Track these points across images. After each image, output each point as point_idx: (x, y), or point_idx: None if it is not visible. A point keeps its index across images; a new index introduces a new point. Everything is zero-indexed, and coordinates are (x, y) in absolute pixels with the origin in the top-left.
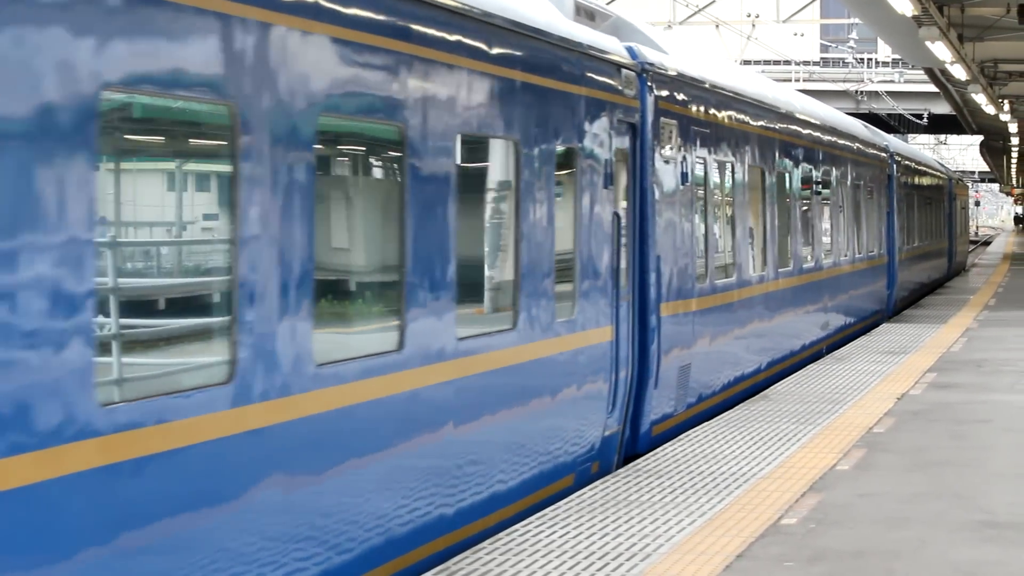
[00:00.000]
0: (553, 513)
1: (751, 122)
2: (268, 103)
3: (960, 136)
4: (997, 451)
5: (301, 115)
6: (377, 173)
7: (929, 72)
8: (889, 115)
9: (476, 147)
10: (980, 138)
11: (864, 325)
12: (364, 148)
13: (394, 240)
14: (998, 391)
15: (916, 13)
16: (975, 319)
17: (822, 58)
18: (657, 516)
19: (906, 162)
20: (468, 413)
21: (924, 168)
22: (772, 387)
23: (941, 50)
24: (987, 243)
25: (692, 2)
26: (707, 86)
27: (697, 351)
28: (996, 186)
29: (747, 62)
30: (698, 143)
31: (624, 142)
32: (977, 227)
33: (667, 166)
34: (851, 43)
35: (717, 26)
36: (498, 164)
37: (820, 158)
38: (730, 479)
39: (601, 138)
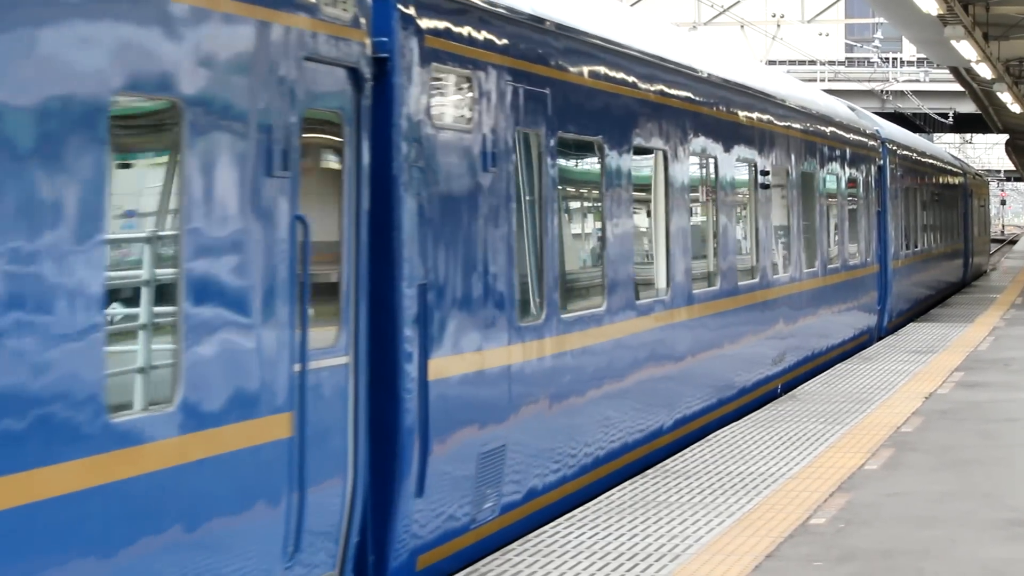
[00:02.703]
0: (582, 515)
1: (642, 85)
2: None
3: (985, 135)
4: None
5: None
6: None
7: (954, 71)
8: (914, 114)
9: None
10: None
11: (845, 350)
12: None
13: None
14: None
15: (941, 12)
16: (1002, 318)
17: (847, 58)
18: (686, 517)
19: (903, 151)
20: None
21: (929, 160)
22: (800, 387)
23: (966, 49)
24: (1013, 242)
25: (717, 2)
26: (546, 25)
27: (520, 424)
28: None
29: (772, 62)
30: (526, 108)
31: (339, 99)
32: (1003, 226)
33: (447, 140)
34: (876, 42)
35: (742, 26)
36: None
37: (765, 140)
38: (758, 479)
39: (256, 86)
